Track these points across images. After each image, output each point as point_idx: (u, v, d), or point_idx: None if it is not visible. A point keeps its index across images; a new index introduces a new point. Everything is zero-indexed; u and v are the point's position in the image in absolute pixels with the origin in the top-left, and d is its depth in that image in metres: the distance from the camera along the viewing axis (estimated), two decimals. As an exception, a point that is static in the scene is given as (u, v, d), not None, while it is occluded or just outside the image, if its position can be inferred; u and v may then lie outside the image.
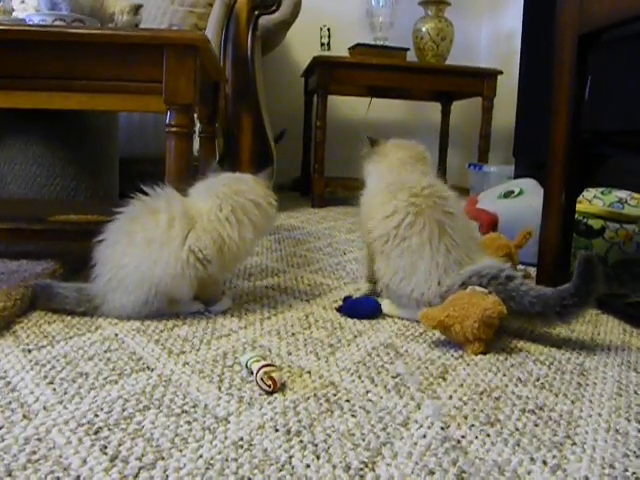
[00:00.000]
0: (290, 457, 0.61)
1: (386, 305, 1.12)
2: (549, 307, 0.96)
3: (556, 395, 0.79)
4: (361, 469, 0.59)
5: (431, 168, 1.22)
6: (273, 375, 0.76)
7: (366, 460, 0.60)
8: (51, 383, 0.76)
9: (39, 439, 0.62)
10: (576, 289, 0.94)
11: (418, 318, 1.05)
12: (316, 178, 2.90)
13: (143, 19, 2.36)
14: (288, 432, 0.66)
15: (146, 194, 1.05)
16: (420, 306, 1.02)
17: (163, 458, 0.59)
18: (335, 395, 0.76)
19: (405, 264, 1.07)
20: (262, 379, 0.76)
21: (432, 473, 0.59)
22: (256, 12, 2.42)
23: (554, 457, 0.63)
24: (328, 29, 3.15)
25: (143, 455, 0.59)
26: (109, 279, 1.02)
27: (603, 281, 0.94)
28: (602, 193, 1.56)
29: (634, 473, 0.60)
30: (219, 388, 0.77)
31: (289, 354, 0.91)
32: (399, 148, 1.23)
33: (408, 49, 3.04)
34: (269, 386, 0.75)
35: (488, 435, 0.67)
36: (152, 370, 0.82)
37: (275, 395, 0.75)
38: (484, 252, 1.16)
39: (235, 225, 1.06)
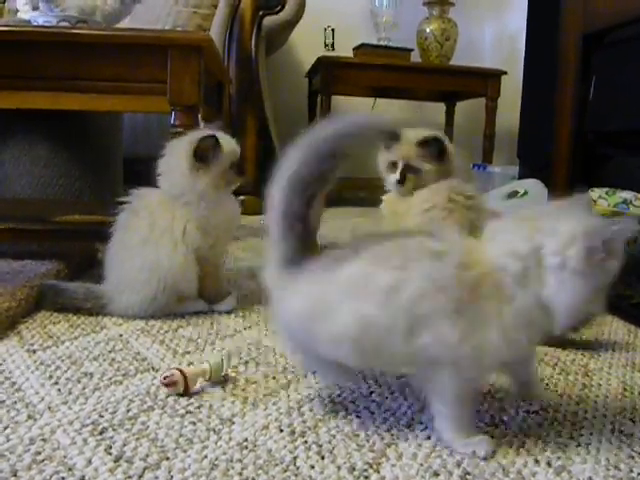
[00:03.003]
0: (294, 458, 0.61)
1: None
2: None
3: (560, 396, 0.79)
4: (365, 470, 0.59)
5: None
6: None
7: (371, 461, 0.60)
8: (56, 383, 0.76)
9: (44, 439, 0.62)
10: None
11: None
12: (319, 178, 2.89)
13: (146, 20, 2.36)
14: (292, 433, 0.66)
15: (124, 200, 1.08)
16: None
17: (168, 458, 0.59)
18: (339, 396, 0.76)
19: None
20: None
21: (437, 474, 0.59)
22: (260, 13, 2.42)
23: (559, 458, 0.63)
24: (332, 29, 3.15)
25: (148, 455, 0.60)
26: (117, 283, 1.05)
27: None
28: (607, 194, 1.56)
29: (639, 474, 0.60)
30: (223, 389, 0.77)
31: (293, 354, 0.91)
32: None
33: (412, 49, 3.04)
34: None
35: (492, 436, 0.67)
36: (157, 370, 0.82)
37: (279, 396, 0.75)
38: None
39: (195, 201, 1.06)
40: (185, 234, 1.04)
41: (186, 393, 0.74)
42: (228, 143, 1.08)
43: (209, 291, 1.10)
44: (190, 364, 0.85)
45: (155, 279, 1.02)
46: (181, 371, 0.74)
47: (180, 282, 1.05)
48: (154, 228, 1.03)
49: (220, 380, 0.78)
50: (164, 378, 0.74)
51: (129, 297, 1.03)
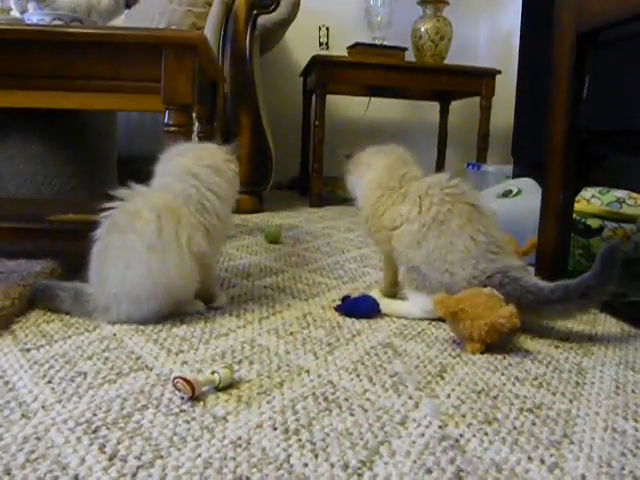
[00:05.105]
0: (288, 456, 0.61)
1: (385, 304, 1.12)
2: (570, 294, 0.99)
3: (554, 394, 0.79)
4: (359, 468, 0.59)
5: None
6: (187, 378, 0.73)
7: (364, 459, 0.61)
8: (50, 382, 0.76)
9: (38, 438, 0.62)
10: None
11: (418, 316, 1.06)
12: (315, 177, 2.90)
13: (141, 19, 2.36)
14: (286, 431, 0.66)
15: (113, 197, 1.03)
16: (446, 291, 1.03)
17: (162, 457, 0.59)
18: (333, 394, 0.76)
19: (443, 243, 1.06)
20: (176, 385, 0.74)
21: (430, 472, 0.59)
22: (255, 11, 2.42)
23: (552, 456, 0.63)
24: (327, 28, 3.15)
25: (142, 454, 0.60)
26: (114, 294, 0.99)
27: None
28: (600, 192, 1.56)
29: (631, 472, 0.60)
30: (217, 387, 0.77)
31: (287, 353, 0.91)
32: (382, 155, 1.22)
33: (407, 48, 3.04)
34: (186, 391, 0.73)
35: (486, 434, 0.67)
36: (151, 369, 0.82)
37: (273, 394, 0.75)
38: (509, 246, 1.14)
39: (212, 210, 1.05)
40: (191, 242, 1.00)
41: (193, 397, 0.73)
42: None
43: (204, 293, 1.10)
44: (199, 372, 0.85)
45: (162, 290, 0.98)
46: (190, 383, 0.72)
47: (183, 292, 1.04)
48: (160, 235, 0.97)
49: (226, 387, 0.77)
50: (174, 382, 0.73)
51: (129, 308, 0.99)
